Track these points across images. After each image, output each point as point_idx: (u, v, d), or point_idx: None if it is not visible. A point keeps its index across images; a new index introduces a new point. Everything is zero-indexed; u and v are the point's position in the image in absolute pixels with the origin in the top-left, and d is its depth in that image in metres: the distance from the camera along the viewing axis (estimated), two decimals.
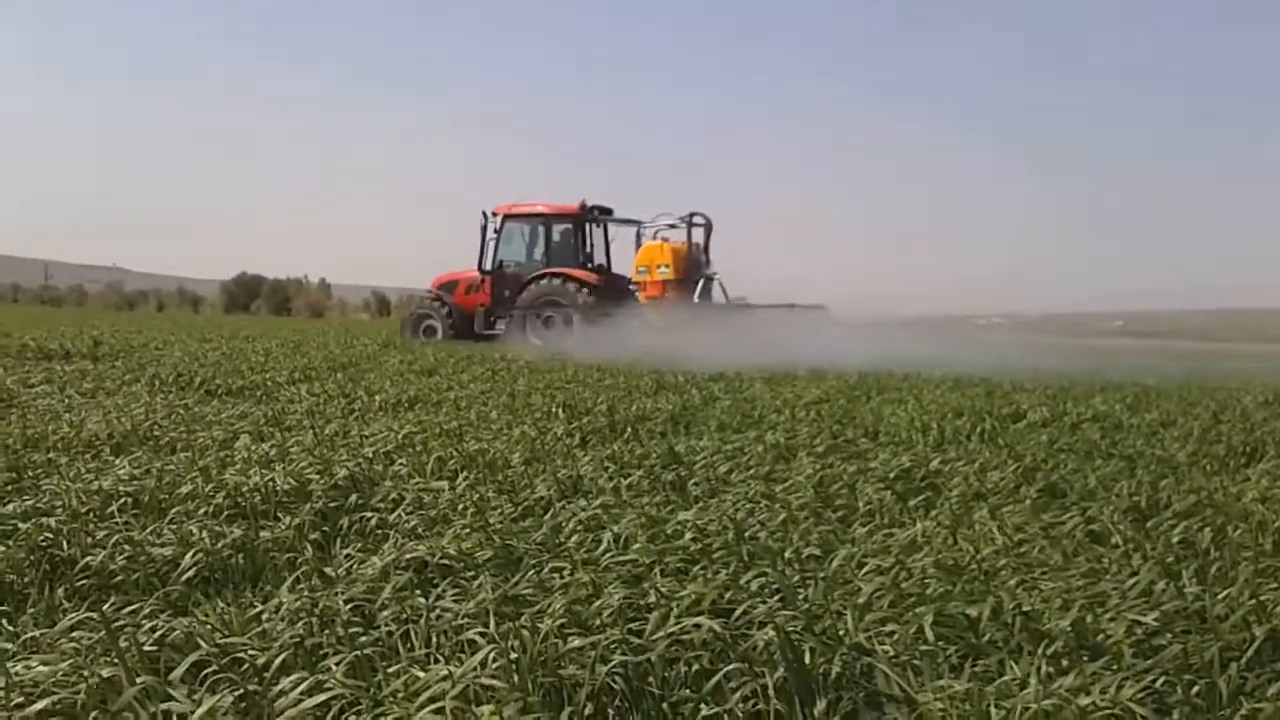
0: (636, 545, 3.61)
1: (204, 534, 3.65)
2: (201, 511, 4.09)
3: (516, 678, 2.36)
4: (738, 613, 2.87)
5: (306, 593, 2.99)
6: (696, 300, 21.38)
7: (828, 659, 2.56)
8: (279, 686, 2.38)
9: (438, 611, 2.88)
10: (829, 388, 10.65)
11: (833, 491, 4.81)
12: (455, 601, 2.99)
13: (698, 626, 2.69)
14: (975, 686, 2.48)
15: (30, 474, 4.76)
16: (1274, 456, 6.48)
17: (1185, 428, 7.76)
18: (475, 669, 2.39)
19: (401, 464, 5.20)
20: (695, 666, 2.56)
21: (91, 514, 4.02)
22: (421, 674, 2.41)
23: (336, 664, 2.50)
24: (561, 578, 3.22)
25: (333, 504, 4.30)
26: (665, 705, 2.42)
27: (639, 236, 22.79)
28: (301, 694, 2.31)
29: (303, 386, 9.64)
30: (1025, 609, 2.99)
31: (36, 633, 2.81)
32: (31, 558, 3.44)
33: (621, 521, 3.97)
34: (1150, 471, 5.60)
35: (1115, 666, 2.72)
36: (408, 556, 3.41)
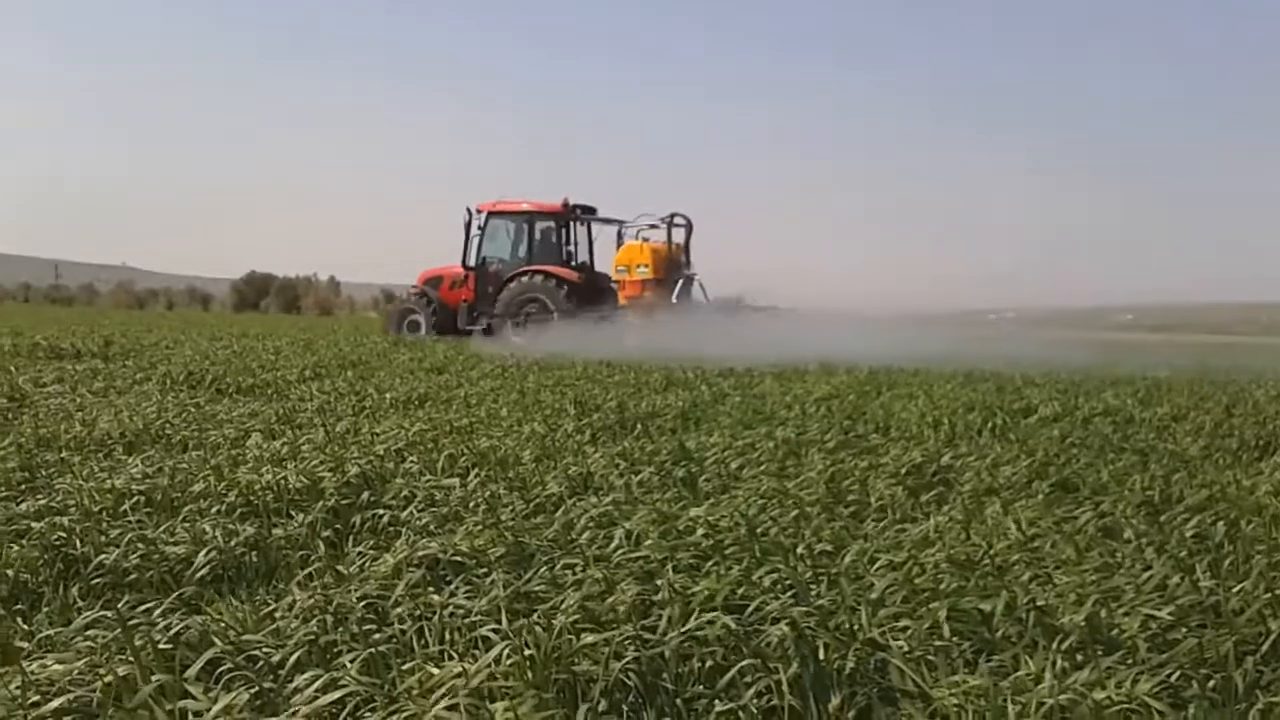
0: (648, 542, 3.61)
1: (217, 532, 3.66)
2: (214, 510, 4.10)
3: (530, 674, 2.36)
4: (751, 608, 2.86)
5: (320, 590, 2.99)
6: (675, 300, 21.46)
7: (842, 654, 2.56)
8: (294, 684, 2.39)
9: (450, 608, 2.88)
10: (839, 383, 10.64)
11: (844, 487, 4.80)
12: (468, 598, 2.99)
13: (711, 623, 2.69)
14: (990, 681, 2.47)
15: (43, 473, 4.78)
16: None
17: (1197, 422, 7.73)
18: (489, 666, 2.39)
19: (412, 461, 5.21)
20: (709, 663, 2.56)
21: (105, 513, 4.03)
22: (436, 671, 2.41)
23: (351, 661, 2.51)
24: (574, 574, 3.22)
25: (345, 501, 4.31)
26: (679, 701, 2.41)
27: (620, 236, 22.91)
28: (316, 691, 2.31)
29: (313, 384, 9.66)
30: (1039, 604, 2.98)
31: (51, 631, 2.82)
32: (46, 556, 3.45)
33: (633, 518, 3.97)
34: (1163, 466, 5.58)
35: (1130, 661, 2.71)
36: (420, 553, 3.42)
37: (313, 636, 2.66)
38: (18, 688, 2.31)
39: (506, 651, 2.45)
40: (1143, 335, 34.93)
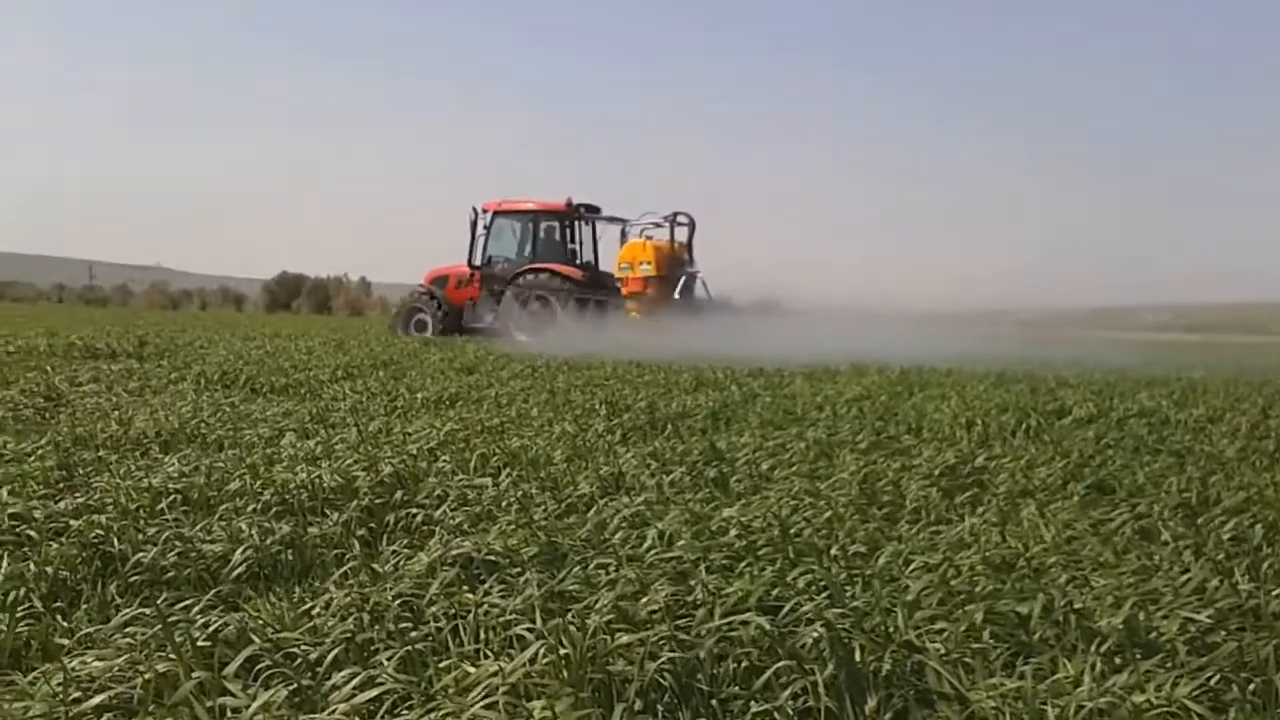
0: (681, 542, 3.61)
1: (253, 530, 3.69)
2: (250, 508, 4.13)
3: (566, 674, 2.36)
4: (785, 610, 2.86)
5: (356, 588, 3.01)
6: (677, 297, 21.61)
7: (878, 656, 2.55)
8: (331, 681, 2.40)
9: (485, 607, 2.89)
10: (870, 384, 10.60)
11: (877, 488, 4.78)
12: (502, 597, 3.00)
13: (745, 624, 2.68)
14: (1028, 684, 2.46)
15: (81, 472, 4.83)
16: None
17: (1233, 423, 7.65)
18: (525, 665, 2.40)
19: (445, 461, 5.23)
20: (744, 663, 2.55)
21: (142, 511, 4.07)
22: (472, 669, 2.42)
23: (387, 659, 2.52)
24: (607, 574, 3.22)
25: (378, 500, 4.33)
26: (714, 702, 2.41)
27: (624, 234, 23.07)
28: (354, 689, 2.33)
29: (345, 384, 9.71)
30: (1077, 606, 2.96)
31: (91, 629, 2.84)
32: (84, 554, 3.47)
33: (665, 518, 3.97)
34: (1199, 468, 5.53)
35: (1169, 664, 2.69)
36: (454, 552, 3.43)
37: (350, 634, 2.68)
38: (59, 684, 2.33)
39: (542, 651, 2.46)
40: (1178, 335, 34.59)
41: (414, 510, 4.17)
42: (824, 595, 2.97)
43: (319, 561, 3.56)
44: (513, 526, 3.83)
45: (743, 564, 3.35)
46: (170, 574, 3.36)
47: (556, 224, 23.13)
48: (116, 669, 2.43)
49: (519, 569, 3.36)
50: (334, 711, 2.19)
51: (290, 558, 3.57)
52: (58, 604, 3.09)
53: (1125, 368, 14.68)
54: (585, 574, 3.24)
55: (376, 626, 2.77)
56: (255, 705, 2.19)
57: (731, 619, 2.72)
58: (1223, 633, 2.88)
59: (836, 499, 4.48)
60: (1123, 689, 2.45)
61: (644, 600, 2.90)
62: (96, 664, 2.46)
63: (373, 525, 4.04)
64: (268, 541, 3.60)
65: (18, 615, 2.88)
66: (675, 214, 22.42)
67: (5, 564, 3.25)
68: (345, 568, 3.36)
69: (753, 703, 2.38)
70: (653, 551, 3.52)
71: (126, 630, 2.75)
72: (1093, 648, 2.72)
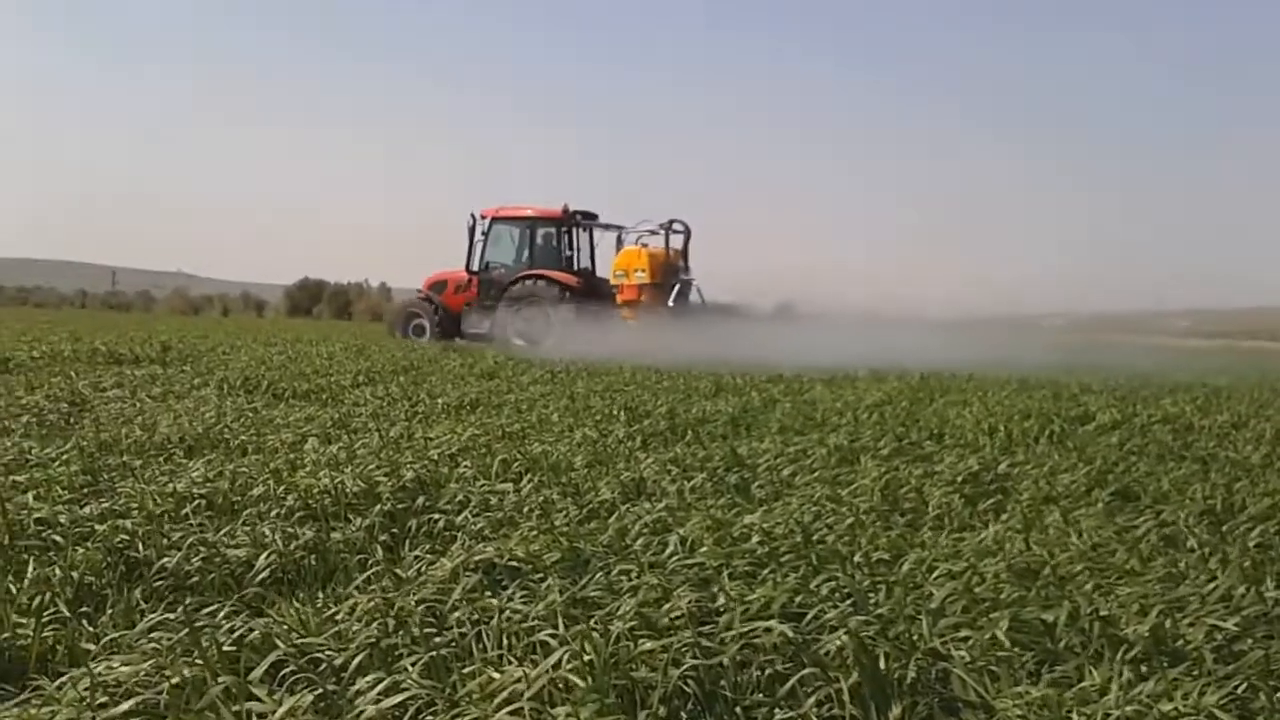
0: (703, 548, 3.61)
1: (276, 535, 3.70)
2: (274, 513, 4.15)
3: (590, 679, 2.36)
4: (808, 617, 2.85)
5: (379, 593, 3.01)
6: (671, 304, 21.82)
7: (902, 664, 2.54)
8: (356, 686, 2.41)
9: (508, 613, 2.89)
10: (890, 389, 10.57)
11: (900, 495, 4.77)
12: (525, 603, 3.00)
13: (769, 630, 2.68)
14: (1054, 692, 2.45)
15: (105, 476, 4.85)
16: None
17: (1258, 429, 7.61)
18: (549, 670, 2.40)
19: (466, 466, 5.24)
20: (768, 671, 2.55)
21: (166, 516, 4.09)
22: (497, 675, 2.42)
23: (412, 664, 2.53)
24: (629, 580, 3.22)
25: (400, 506, 4.34)
26: (739, 709, 2.41)
27: (619, 241, 23.28)
28: (379, 694, 2.33)
29: (366, 389, 9.74)
30: (1102, 614, 2.94)
31: (117, 634, 2.85)
32: (109, 559, 3.49)
33: (687, 524, 3.97)
34: (1224, 474, 5.50)
35: (1196, 672, 2.68)
36: (476, 558, 3.43)
37: (374, 640, 2.69)
38: (86, 689, 2.34)
39: (566, 657, 2.46)
40: (1201, 341, 34.36)
41: (436, 516, 4.18)
42: (848, 602, 2.96)
43: (342, 566, 3.57)
44: (534, 532, 3.83)
45: (765, 570, 3.35)
46: (195, 579, 3.38)
47: (553, 230, 23.37)
48: (143, 674, 2.43)
49: (541, 575, 3.36)
50: (360, 717, 2.20)
51: (314, 563, 3.59)
52: (83, 609, 3.10)
53: (1148, 373, 14.60)
54: (608, 580, 3.24)
55: (400, 632, 2.77)
56: (281, 711, 2.19)
57: (755, 626, 2.71)
58: (1250, 640, 2.86)
59: (859, 505, 4.47)
60: (1149, 697, 2.44)
61: (667, 607, 2.90)
62: (123, 669, 2.47)
63: (395, 530, 4.06)
64: (291, 547, 3.61)
65: (44, 620, 2.88)
66: (671, 221, 22.66)
67: (31, 569, 3.26)
68: (369, 573, 3.37)
69: (777, 710, 2.37)
70: (675, 558, 3.52)
71: (152, 635, 2.76)
72: (1119, 655, 2.69)
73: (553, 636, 2.68)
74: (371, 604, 2.92)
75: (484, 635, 2.80)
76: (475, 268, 23.15)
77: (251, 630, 2.70)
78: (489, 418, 7.55)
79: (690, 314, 21.80)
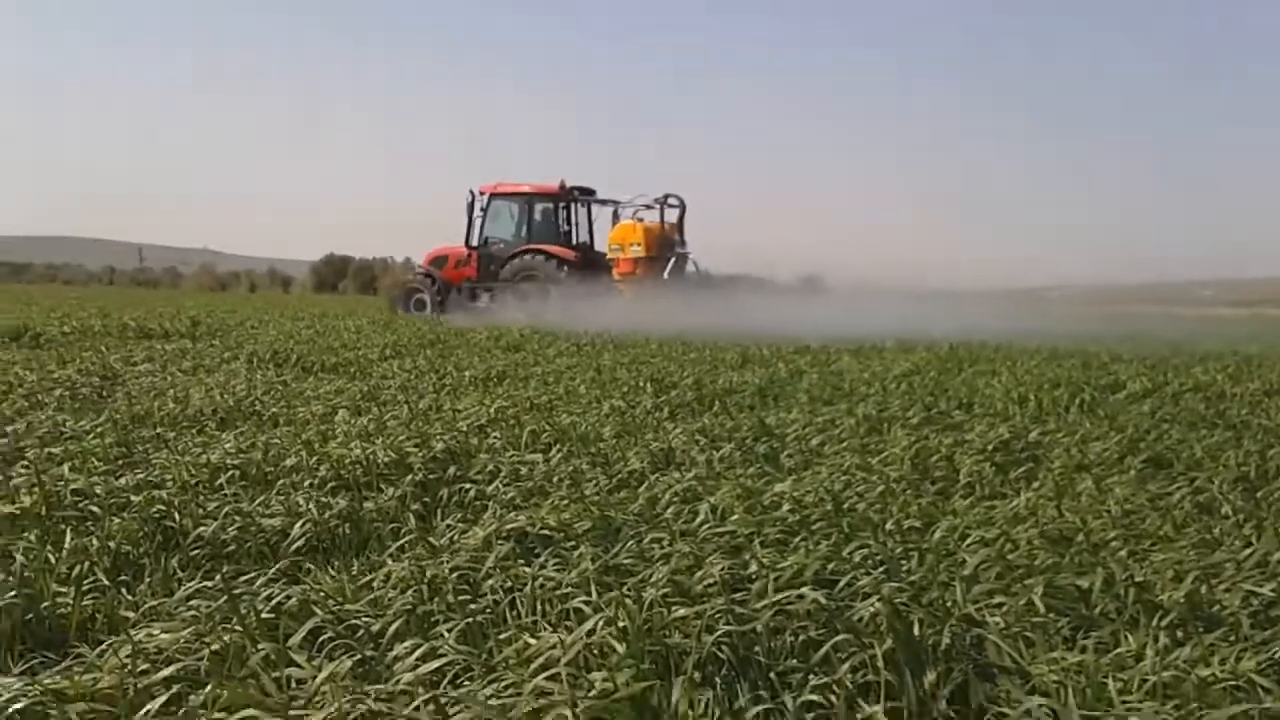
0: (734, 517, 3.61)
1: (310, 505, 3.73)
2: (307, 483, 4.18)
3: (625, 645, 2.37)
4: (841, 584, 2.85)
5: (413, 561, 3.03)
6: (666, 277, 22.13)
7: (937, 630, 2.53)
8: (394, 652, 2.43)
9: (540, 580, 2.91)
10: (919, 359, 10.52)
11: (930, 463, 4.75)
12: (557, 571, 3.01)
13: (801, 597, 2.68)
14: (1090, 658, 2.44)
15: (140, 448, 4.90)
16: None
17: None
18: (584, 637, 2.41)
19: (495, 437, 5.25)
20: (801, 637, 2.55)
21: (201, 486, 4.13)
22: (533, 641, 2.44)
23: (448, 630, 2.54)
24: (661, 549, 3.22)
25: (432, 476, 4.37)
26: (773, 674, 2.41)
27: (616, 215, 23.65)
28: (417, 660, 2.35)
29: (394, 362, 9.79)
30: (1137, 580, 2.93)
31: (155, 602, 2.89)
32: (146, 529, 3.53)
33: (717, 493, 3.97)
34: (1257, 441, 5.44)
35: (1233, 638, 2.66)
36: (508, 527, 3.45)
37: (410, 607, 2.71)
38: (127, 656, 2.37)
39: (600, 623, 2.47)
40: (1227, 310, 34.02)
41: (467, 485, 4.20)
42: (880, 569, 2.96)
43: (375, 535, 3.60)
44: (565, 501, 3.85)
45: (797, 538, 3.35)
46: (231, 548, 3.41)
47: (551, 206, 23.66)
48: (183, 641, 2.46)
49: (573, 543, 3.37)
50: (399, 682, 2.21)
51: (347, 531, 3.62)
52: (122, 578, 3.13)
53: (1177, 342, 14.48)
54: (639, 548, 3.25)
55: (435, 599, 2.79)
56: (321, 676, 2.21)
57: (788, 593, 2.71)
58: None
59: (889, 474, 4.46)
60: (1187, 662, 2.43)
61: (699, 574, 2.90)
62: (163, 636, 2.49)
63: (426, 500, 4.08)
64: (325, 516, 3.64)
65: (83, 589, 2.92)
66: (666, 196, 23.02)
67: (69, 539, 3.30)
68: (402, 541, 3.39)
69: (811, 675, 2.37)
70: (706, 526, 3.52)
71: (190, 603, 2.79)
72: (1155, 621, 2.69)
73: (586, 603, 2.69)
74: (406, 572, 2.94)
75: (518, 602, 2.82)
76: (475, 243, 23.43)
77: (289, 598, 2.73)
78: (516, 390, 7.57)
79: (686, 286, 22.08)
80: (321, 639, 2.51)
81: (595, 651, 2.40)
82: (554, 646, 2.37)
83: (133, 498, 3.84)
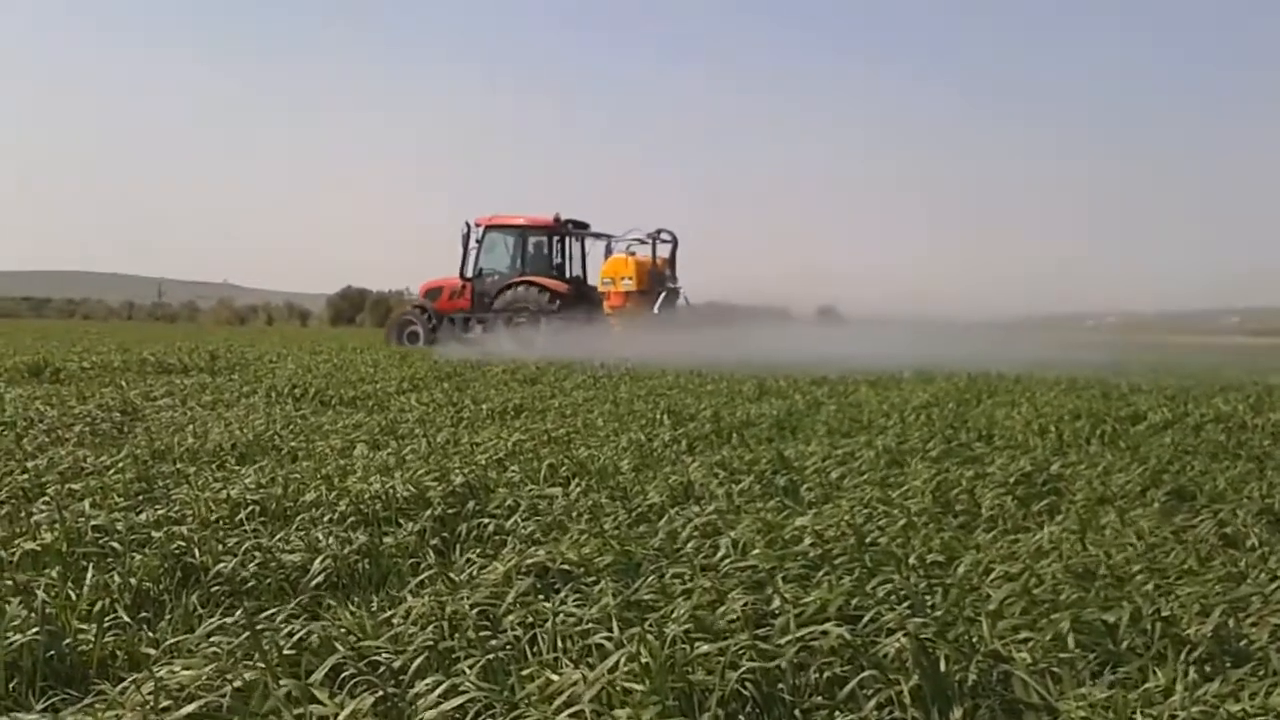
0: (755, 551, 3.59)
1: (330, 540, 3.73)
2: (326, 518, 4.18)
3: (648, 682, 2.35)
4: (865, 619, 2.83)
5: (433, 597, 3.02)
6: (656, 311, 22.53)
7: (963, 666, 2.51)
8: (415, 689, 2.41)
9: (561, 616, 2.89)
10: (937, 391, 10.49)
11: (951, 496, 4.73)
12: (578, 606, 3.00)
13: (825, 633, 2.66)
14: (1118, 694, 2.41)
15: (160, 484, 4.90)
16: None
17: None
18: (606, 673, 2.39)
19: (514, 471, 5.25)
20: (826, 673, 2.53)
21: (221, 522, 4.13)
22: (555, 677, 2.42)
23: (469, 667, 2.53)
24: (682, 583, 3.21)
25: (451, 510, 4.36)
26: (797, 712, 2.39)
27: (609, 249, 24.09)
28: (439, 697, 2.33)
29: (412, 396, 9.81)
30: (1164, 614, 2.90)
31: (176, 638, 2.88)
32: (166, 565, 3.52)
33: (737, 527, 3.95)
34: None
35: (1262, 672, 2.63)
36: (528, 561, 3.44)
37: (431, 642, 2.69)
38: (150, 692, 2.36)
39: (624, 659, 2.45)
40: (1251, 339, 33.84)
41: (486, 520, 4.19)
42: (905, 605, 2.94)
43: (395, 570, 3.59)
44: (585, 536, 3.83)
45: (819, 573, 3.32)
46: (251, 584, 3.41)
47: (545, 239, 23.97)
48: (205, 677, 2.45)
49: (594, 578, 3.36)
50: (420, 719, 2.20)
51: (367, 567, 3.61)
52: (143, 614, 3.13)
53: (1197, 372, 14.41)
54: (660, 583, 3.23)
55: (456, 635, 2.78)
56: (344, 714, 2.20)
57: (811, 629, 2.69)
58: None
59: (910, 507, 4.43)
60: (1215, 697, 2.41)
61: (721, 610, 2.89)
62: (185, 673, 2.48)
63: (446, 535, 4.07)
64: (345, 551, 3.63)
65: (104, 625, 2.92)
66: (658, 231, 23.55)
67: (90, 575, 3.30)
68: (422, 577, 3.38)
69: (837, 712, 2.35)
70: (727, 560, 3.50)
71: (212, 639, 2.78)
72: (1182, 656, 2.66)
73: (608, 639, 2.68)
74: (426, 607, 2.93)
75: (539, 638, 2.80)
76: (469, 274, 23.69)
77: (310, 634, 2.72)
78: (534, 423, 7.57)
79: (677, 320, 22.47)
80: (343, 675, 2.50)
81: (618, 688, 2.38)
82: (576, 683, 2.35)
83: (153, 534, 3.84)
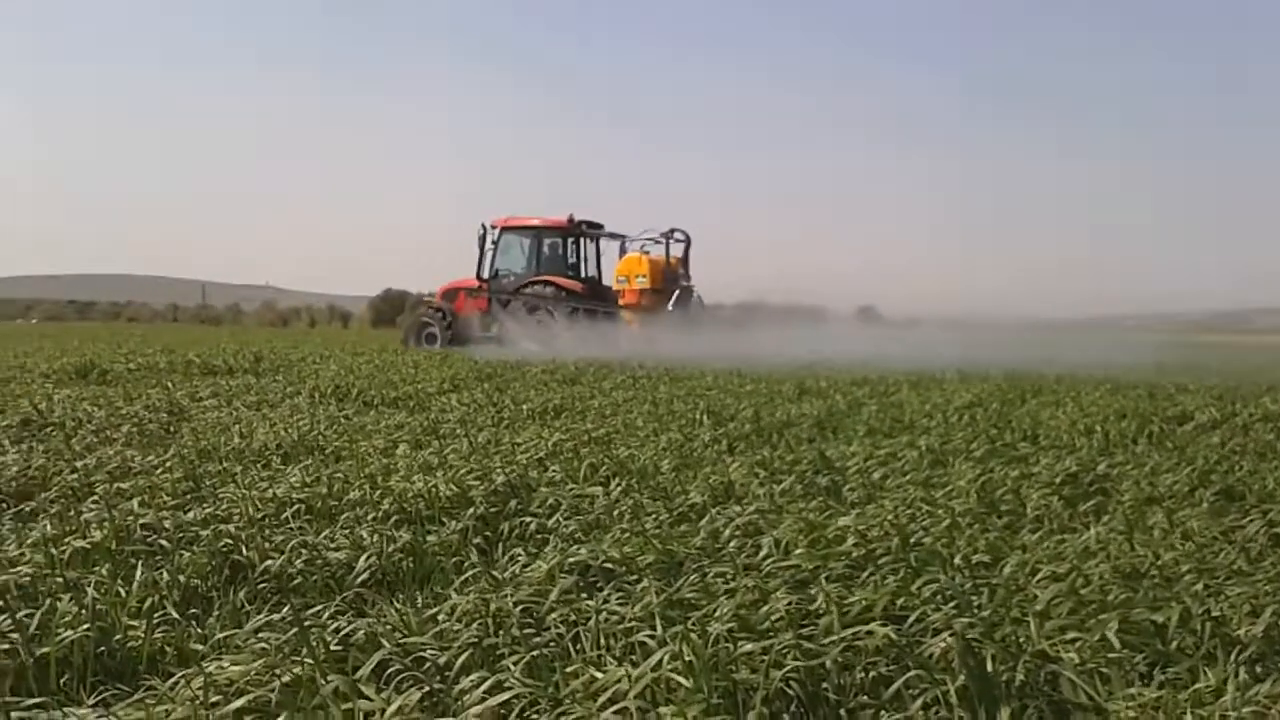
0: (798, 551, 3.57)
1: (374, 538, 3.75)
2: (370, 517, 4.21)
3: (692, 680, 2.35)
4: (911, 619, 2.81)
5: (477, 595, 3.04)
6: (671, 309, 22.61)
7: (1010, 667, 2.49)
8: (460, 685, 2.43)
9: (604, 614, 2.90)
10: (980, 391, 10.40)
11: (996, 497, 4.68)
12: (621, 604, 3.00)
13: (870, 633, 2.64)
14: (1168, 694, 2.38)
15: (207, 483, 4.96)
16: None
17: None
18: (651, 670, 2.39)
19: (555, 470, 5.26)
20: (871, 673, 2.52)
21: (267, 520, 4.17)
22: (600, 674, 2.42)
23: (513, 664, 2.54)
24: (725, 583, 3.20)
25: (493, 509, 4.38)
26: (843, 711, 2.38)
27: (623, 249, 24.12)
28: (484, 693, 2.35)
29: (452, 396, 9.86)
30: (1214, 614, 2.86)
31: (224, 634, 2.91)
32: (214, 563, 3.57)
33: (780, 527, 3.94)
34: None
35: None
36: (571, 560, 3.45)
37: (475, 639, 2.71)
38: (199, 688, 2.39)
39: (668, 657, 2.45)
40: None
41: (528, 519, 4.21)
42: (950, 605, 2.91)
43: (439, 568, 3.61)
44: (626, 535, 3.84)
45: (863, 573, 3.31)
46: (297, 580, 3.44)
47: (559, 239, 24.19)
48: (253, 673, 2.48)
49: (636, 577, 3.36)
50: (467, 715, 2.21)
51: (411, 565, 3.64)
52: (191, 611, 3.17)
53: (1240, 371, 14.22)
54: (703, 582, 3.23)
55: (500, 632, 2.79)
56: (391, 709, 2.22)
57: (856, 628, 2.68)
58: None
59: (954, 507, 4.39)
60: (1267, 698, 2.37)
61: (765, 609, 2.88)
62: (234, 669, 2.51)
63: (488, 533, 4.09)
64: (389, 549, 3.66)
65: (154, 622, 2.96)
66: (672, 230, 23.52)
67: (139, 572, 3.34)
68: (465, 575, 3.40)
69: (883, 712, 2.34)
70: (770, 560, 3.50)
71: (260, 635, 2.81)
72: (1233, 656, 2.62)
73: (651, 637, 2.68)
74: (470, 605, 2.94)
75: (582, 636, 2.81)
76: (486, 275, 23.82)
77: (356, 630, 2.74)
78: (574, 423, 7.58)
79: (691, 318, 22.57)
80: (389, 671, 2.52)
81: (662, 686, 2.38)
82: (620, 680, 2.36)
83: (201, 531, 3.89)
